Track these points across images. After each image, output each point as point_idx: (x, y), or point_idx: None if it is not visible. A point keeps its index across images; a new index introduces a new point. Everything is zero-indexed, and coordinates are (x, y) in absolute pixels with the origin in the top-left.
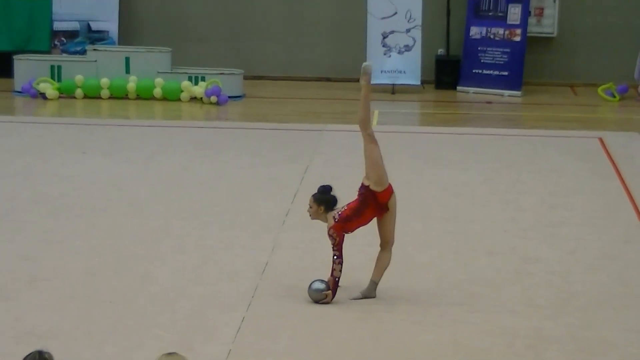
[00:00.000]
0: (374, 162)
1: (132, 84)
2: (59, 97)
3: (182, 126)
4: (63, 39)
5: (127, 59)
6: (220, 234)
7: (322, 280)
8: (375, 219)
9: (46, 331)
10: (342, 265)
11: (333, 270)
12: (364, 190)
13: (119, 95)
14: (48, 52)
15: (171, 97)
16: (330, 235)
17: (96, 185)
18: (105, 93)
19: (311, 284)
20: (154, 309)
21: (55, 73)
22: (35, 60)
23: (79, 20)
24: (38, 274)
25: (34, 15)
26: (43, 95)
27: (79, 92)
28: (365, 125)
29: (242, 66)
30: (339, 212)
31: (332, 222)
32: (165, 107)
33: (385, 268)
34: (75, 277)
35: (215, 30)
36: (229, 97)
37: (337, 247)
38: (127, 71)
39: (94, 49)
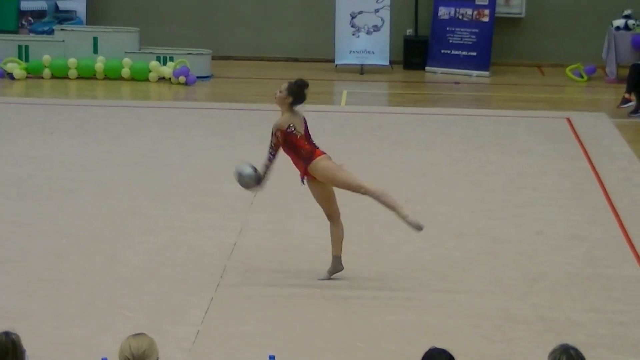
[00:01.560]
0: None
1: (100, 64)
2: (27, 77)
3: (150, 106)
4: (30, 18)
5: (95, 39)
6: (189, 216)
7: (250, 165)
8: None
9: (13, 313)
10: (269, 167)
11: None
12: (309, 152)
13: (86, 75)
14: (15, 32)
15: (139, 77)
16: (274, 134)
17: (64, 167)
18: (73, 73)
19: (241, 170)
20: (122, 291)
21: (23, 53)
22: (3, 40)
23: (46, 0)
24: (5, 256)
25: None
26: (10, 76)
27: (46, 72)
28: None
29: (210, 46)
30: (293, 127)
31: (284, 122)
32: (133, 88)
33: (342, 239)
34: (43, 259)
35: (183, 10)
36: (197, 77)
37: (275, 148)
38: (95, 51)
39: (62, 29)
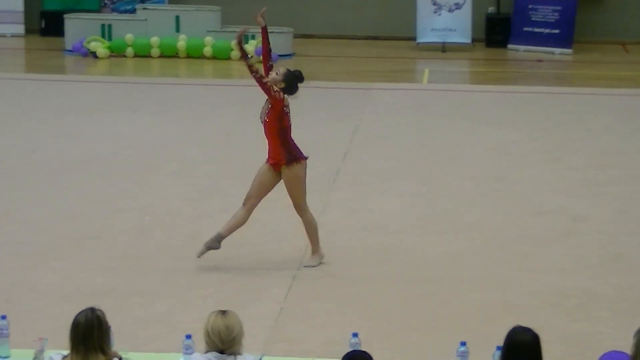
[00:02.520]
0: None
1: (182, 42)
2: (110, 56)
3: (231, 85)
4: None
5: (177, 18)
6: (269, 194)
7: None
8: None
9: (96, 290)
10: (255, 73)
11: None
12: (296, 149)
13: (169, 54)
14: (98, 11)
15: (221, 55)
16: (277, 93)
17: (146, 145)
18: (155, 52)
19: None
20: (204, 268)
21: (106, 32)
22: (86, 19)
23: None
24: (88, 233)
25: None
26: (94, 54)
27: (129, 50)
28: None
29: (291, 25)
30: (288, 109)
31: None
32: (215, 66)
33: (316, 230)
34: (125, 236)
35: None
36: (279, 55)
37: (264, 82)
38: (177, 30)
39: (144, 8)
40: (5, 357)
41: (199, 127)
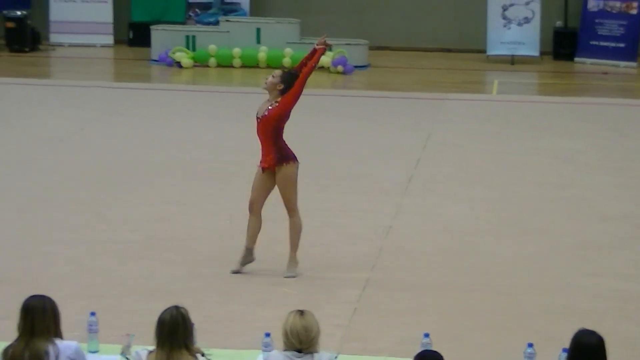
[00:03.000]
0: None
1: (262, 53)
2: (193, 65)
3: (309, 94)
4: (197, 10)
5: (258, 30)
6: (340, 198)
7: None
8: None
9: (179, 288)
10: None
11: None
12: (288, 150)
13: (250, 64)
14: (183, 23)
15: None
16: (277, 103)
17: (227, 151)
18: (237, 62)
19: None
20: (280, 269)
21: (190, 43)
22: (171, 30)
23: None
24: (171, 234)
25: None
26: (178, 64)
27: (212, 61)
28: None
29: (367, 37)
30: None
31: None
32: None
33: (299, 234)
34: (206, 238)
35: (341, 1)
36: (355, 66)
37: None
38: (258, 41)
39: (227, 20)
40: (95, 352)
41: None
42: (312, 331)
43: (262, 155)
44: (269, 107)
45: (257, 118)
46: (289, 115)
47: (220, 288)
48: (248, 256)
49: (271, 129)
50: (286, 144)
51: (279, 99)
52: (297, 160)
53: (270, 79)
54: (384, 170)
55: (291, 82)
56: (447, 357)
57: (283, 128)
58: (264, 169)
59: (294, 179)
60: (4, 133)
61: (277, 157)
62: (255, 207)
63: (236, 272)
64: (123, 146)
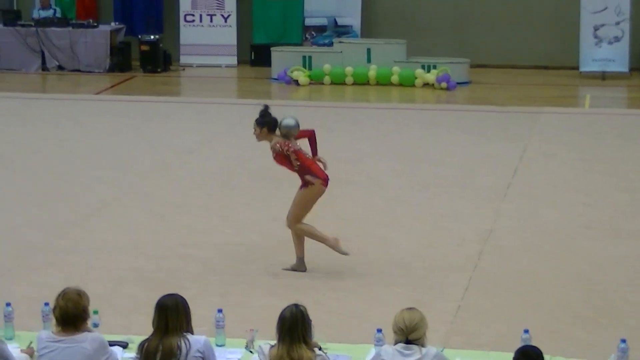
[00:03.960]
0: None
1: (372, 72)
2: (309, 83)
3: (415, 109)
4: (313, 32)
5: (369, 50)
6: (448, 204)
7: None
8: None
9: (298, 286)
10: (302, 151)
11: (304, 161)
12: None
13: (361, 81)
14: (300, 45)
15: (406, 83)
16: (273, 148)
17: (340, 160)
18: (349, 80)
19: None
20: (392, 268)
21: (307, 62)
22: (289, 51)
23: (326, 17)
24: (289, 237)
25: (288, 12)
26: (296, 82)
27: (326, 79)
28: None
29: (468, 55)
30: (285, 144)
31: (275, 141)
32: (401, 92)
33: (312, 234)
34: None
35: (444, 23)
36: (457, 83)
37: (285, 145)
38: (369, 60)
39: (340, 42)
40: (221, 345)
41: (386, 144)
42: (419, 324)
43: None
44: (273, 155)
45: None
46: (289, 155)
47: (337, 286)
48: (301, 266)
49: (286, 163)
50: (309, 167)
51: (272, 146)
52: (322, 179)
53: (254, 133)
54: (485, 178)
55: (266, 120)
56: (546, 351)
57: (298, 158)
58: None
59: (308, 201)
60: (141, 145)
61: (303, 182)
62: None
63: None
64: (247, 156)
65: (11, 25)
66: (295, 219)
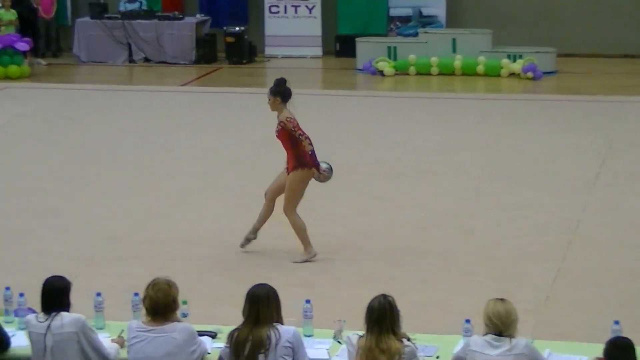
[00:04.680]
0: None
1: (457, 62)
2: (394, 74)
3: (500, 99)
4: (398, 23)
5: (454, 40)
6: (533, 194)
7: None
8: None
9: (381, 276)
10: (309, 140)
11: (304, 146)
12: (305, 157)
13: (446, 72)
14: (385, 35)
15: (492, 73)
16: (283, 122)
17: (424, 150)
18: (434, 70)
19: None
20: (474, 258)
21: (392, 53)
22: (374, 42)
23: (411, 7)
24: (371, 227)
25: (372, 3)
26: (381, 73)
27: (411, 69)
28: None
29: (555, 45)
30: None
31: (285, 114)
32: (486, 82)
33: (302, 230)
34: (404, 230)
35: (530, 12)
36: (543, 72)
37: (297, 128)
38: (454, 51)
39: (425, 32)
40: (309, 336)
41: (469, 135)
42: (512, 315)
43: (287, 162)
44: (277, 129)
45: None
46: (294, 132)
47: (420, 276)
48: (251, 234)
49: (286, 143)
50: (306, 151)
51: (280, 119)
52: (314, 166)
53: (268, 102)
54: (572, 167)
55: (280, 90)
56: (638, 342)
57: (299, 138)
58: (288, 171)
59: (299, 184)
60: (225, 137)
61: (294, 164)
62: (268, 196)
63: (242, 245)
64: (331, 147)
65: (98, 18)
66: (291, 207)
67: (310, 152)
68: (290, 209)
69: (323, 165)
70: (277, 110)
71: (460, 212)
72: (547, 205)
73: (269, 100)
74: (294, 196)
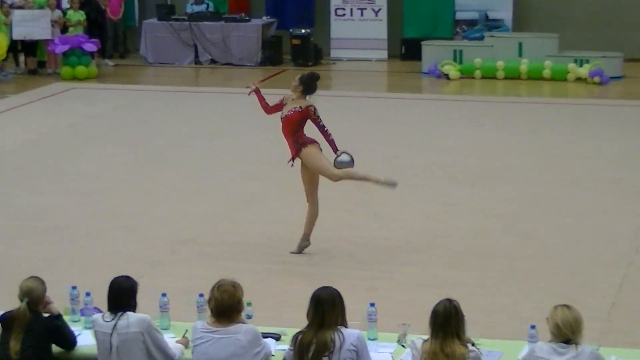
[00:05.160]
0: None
1: (523, 66)
2: (460, 77)
3: (567, 103)
4: (464, 26)
5: (520, 44)
6: (598, 199)
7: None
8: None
9: (445, 281)
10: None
11: (332, 140)
12: (304, 138)
13: (512, 76)
14: (451, 39)
15: (558, 77)
16: (312, 107)
17: (487, 154)
18: (500, 74)
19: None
20: (538, 264)
21: (457, 56)
22: (440, 45)
23: (477, 10)
24: (436, 232)
25: (439, 6)
26: (446, 76)
27: (477, 73)
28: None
29: (621, 50)
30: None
31: (308, 102)
32: (552, 87)
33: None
34: (469, 236)
35: (596, 15)
36: (610, 77)
37: (317, 115)
38: (520, 55)
39: (491, 35)
40: (374, 339)
41: (533, 139)
42: (580, 322)
43: (290, 150)
44: (292, 111)
45: (281, 119)
46: (316, 118)
47: (485, 281)
48: (304, 241)
49: (292, 127)
50: (303, 133)
51: (302, 104)
52: (315, 142)
53: (292, 84)
54: (638, 173)
55: (309, 83)
56: None
57: (304, 125)
58: (293, 160)
59: (315, 157)
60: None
61: (296, 147)
62: (309, 198)
63: (296, 252)
64: (396, 151)
65: (165, 19)
66: (330, 172)
67: (331, 140)
68: (335, 176)
69: (344, 157)
70: (296, 95)
71: (525, 217)
72: (612, 211)
73: (294, 82)
74: (323, 166)
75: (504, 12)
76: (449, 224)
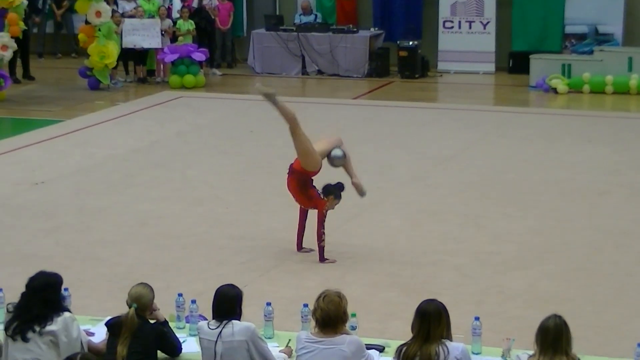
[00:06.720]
0: (305, 151)
1: (634, 81)
2: (568, 92)
3: (611, 117)
4: (573, 40)
5: (630, 59)
6: None
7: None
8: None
9: (553, 296)
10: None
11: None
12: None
13: (621, 90)
14: (559, 52)
15: None
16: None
17: (598, 171)
18: (609, 89)
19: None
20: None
21: (566, 70)
22: (548, 59)
23: (587, 24)
24: (547, 247)
25: (548, 19)
26: (554, 90)
27: (585, 87)
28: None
29: None
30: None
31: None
32: None
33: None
34: (580, 251)
35: None
36: None
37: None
38: (630, 69)
39: (601, 50)
40: (478, 353)
41: None
42: None
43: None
44: (299, 188)
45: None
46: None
47: (594, 298)
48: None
49: (299, 185)
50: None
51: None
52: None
53: (323, 203)
54: None
55: (337, 194)
56: None
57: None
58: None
59: (302, 137)
60: (398, 151)
61: (312, 202)
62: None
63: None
64: (504, 165)
65: (273, 30)
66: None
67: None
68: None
69: (337, 152)
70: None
71: (637, 234)
72: None
73: (321, 196)
74: (308, 143)
75: (614, 26)
76: (560, 239)
